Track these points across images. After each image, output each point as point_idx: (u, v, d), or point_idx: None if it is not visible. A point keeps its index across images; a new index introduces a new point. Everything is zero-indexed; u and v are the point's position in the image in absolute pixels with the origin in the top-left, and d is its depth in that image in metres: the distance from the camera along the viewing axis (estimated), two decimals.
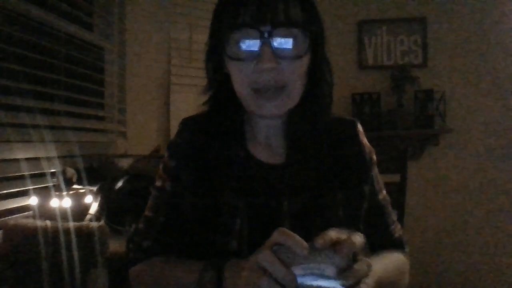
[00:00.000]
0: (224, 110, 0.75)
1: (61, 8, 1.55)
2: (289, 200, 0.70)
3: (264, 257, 0.50)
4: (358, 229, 0.66)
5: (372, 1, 2.84)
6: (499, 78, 2.74)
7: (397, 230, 0.83)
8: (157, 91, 2.23)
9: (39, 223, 1.08)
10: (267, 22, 0.63)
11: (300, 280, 0.48)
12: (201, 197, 0.72)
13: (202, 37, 2.29)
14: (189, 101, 2.25)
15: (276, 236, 0.52)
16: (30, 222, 1.10)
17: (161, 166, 0.79)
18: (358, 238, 0.52)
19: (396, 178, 1.44)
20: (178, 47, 2.28)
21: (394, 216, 0.84)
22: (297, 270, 0.48)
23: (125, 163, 1.62)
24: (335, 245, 0.50)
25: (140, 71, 2.08)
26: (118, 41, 1.97)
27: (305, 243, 0.50)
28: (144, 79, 2.12)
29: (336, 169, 0.74)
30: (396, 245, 0.81)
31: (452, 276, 2.74)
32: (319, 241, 0.50)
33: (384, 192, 0.82)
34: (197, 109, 0.81)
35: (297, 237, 0.50)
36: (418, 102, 2.69)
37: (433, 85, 2.72)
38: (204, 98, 0.78)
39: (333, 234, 0.51)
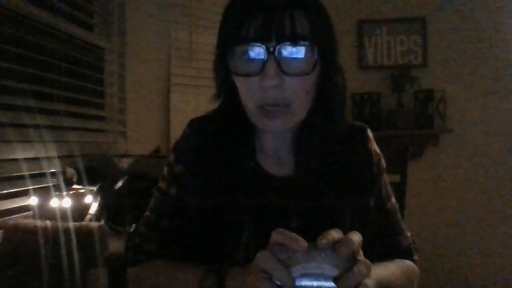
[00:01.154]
0: (233, 119, 0.73)
1: (61, 8, 1.55)
2: (297, 214, 0.69)
3: (262, 257, 0.49)
4: (365, 239, 0.65)
5: (372, 1, 2.84)
6: (499, 78, 2.74)
7: (406, 239, 0.81)
8: (157, 91, 2.23)
9: (39, 223, 1.08)
10: (272, 37, 0.60)
11: (299, 280, 0.47)
12: (208, 206, 0.70)
13: (202, 37, 2.29)
14: (189, 101, 2.25)
15: (275, 236, 0.51)
16: (30, 222, 1.10)
17: (166, 168, 0.77)
18: (357, 237, 0.51)
19: (396, 178, 1.44)
20: (178, 47, 2.28)
21: (403, 224, 0.82)
22: (297, 270, 0.47)
23: (125, 163, 1.62)
24: (334, 244, 0.50)
25: (140, 71, 2.08)
26: (118, 41, 1.97)
27: (304, 242, 0.49)
28: (144, 79, 2.12)
29: (345, 181, 0.72)
30: (404, 254, 0.79)
31: (452, 276, 2.74)
32: (322, 241, 0.49)
33: (393, 199, 0.80)
34: (197, 109, 0.80)
35: (296, 236, 0.49)
36: (418, 102, 2.69)
37: (433, 85, 2.72)
38: (211, 101, 0.75)
39: (334, 234, 0.50)
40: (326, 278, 0.47)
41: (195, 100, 2.24)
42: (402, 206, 1.43)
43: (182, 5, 2.28)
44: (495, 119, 2.74)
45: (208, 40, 2.22)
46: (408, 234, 0.82)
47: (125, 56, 1.98)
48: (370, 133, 0.79)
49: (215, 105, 0.76)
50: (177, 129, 0.71)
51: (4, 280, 1.03)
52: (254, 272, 0.51)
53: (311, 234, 0.66)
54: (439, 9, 2.79)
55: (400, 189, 1.45)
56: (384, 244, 0.78)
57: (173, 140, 0.80)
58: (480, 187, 2.75)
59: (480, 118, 2.76)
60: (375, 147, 0.78)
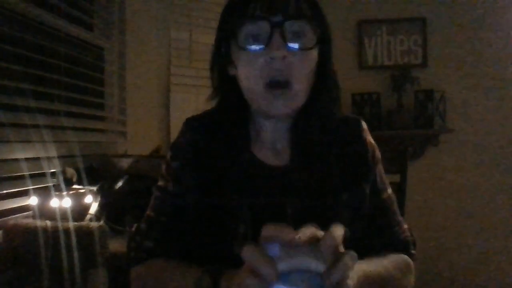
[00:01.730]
0: (229, 112, 0.75)
1: (61, 8, 1.54)
2: (293, 203, 0.69)
3: (248, 251, 0.48)
4: (361, 230, 0.65)
5: (372, 1, 2.84)
6: (499, 78, 2.74)
7: (402, 231, 0.80)
8: (157, 91, 2.23)
9: (39, 223, 1.08)
10: (278, 13, 0.65)
11: (285, 275, 0.46)
12: (204, 199, 0.71)
13: (202, 37, 2.29)
14: (189, 101, 2.25)
15: (264, 232, 0.50)
16: (30, 222, 1.10)
17: (163, 166, 0.78)
18: (339, 230, 0.50)
19: (396, 178, 1.44)
20: (178, 47, 2.28)
21: (399, 216, 0.81)
22: (283, 266, 0.47)
23: (125, 163, 1.62)
24: (319, 239, 0.49)
25: (140, 71, 2.08)
26: (118, 41, 1.97)
27: (291, 234, 0.48)
28: (144, 79, 2.12)
29: (341, 170, 0.73)
30: (400, 246, 0.79)
31: (452, 276, 2.75)
32: (300, 237, 0.49)
33: (389, 191, 0.81)
34: (197, 109, 0.81)
35: (283, 229, 0.49)
36: (418, 102, 2.69)
37: (433, 85, 2.72)
38: (208, 99, 0.78)
39: (313, 229, 0.50)
40: (313, 273, 0.47)
41: (195, 100, 2.25)
42: (402, 206, 1.43)
43: (182, 5, 2.29)
44: (495, 119, 2.74)
45: (208, 40, 2.21)
46: (405, 226, 0.82)
47: (125, 56, 1.98)
48: (364, 124, 0.80)
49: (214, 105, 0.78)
50: (177, 129, 0.73)
51: (4, 280, 1.03)
52: (245, 270, 0.50)
53: (308, 223, 0.66)
54: (439, 9, 2.79)
55: (400, 189, 1.44)
56: (379, 234, 0.77)
57: (173, 140, 0.81)
58: (480, 187, 2.75)
59: (480, 118, 2.76)
60: (370, 138, 0.80)
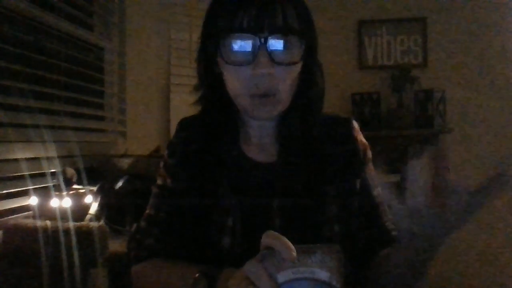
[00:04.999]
0: (217, 110, 0.77)
1: (61, 8, 1.54)
2: (279, 197, 0.71)
3: (251, 269, 0.48)
4: (350, 225, 0.66)
5: (372, 1, 2.84)
6: (499, 78, 2.74)
7: (394, 227, 0.79)
8: (157, 91, 2.23)
9: (39, 223, 1.08)
10: (264, 28, 0.64)
11: (288, 286, 0.46)
12: (197, 195, 0.73)
13: None
14: (189, 101, 2.24)
15: (265, 239, 0.50)
16: (30, 222, 1.10)
17: (161, 165, 0.80)
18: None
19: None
20: (178, 47, 2.28)
21: (389, 214, 0.81)
22: (286, 275, 0.46)
23: (125, 163, 1.62)
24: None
25: (140, 71, 2.08)
26: (118, 41, 1.97)
27: (293, 249, 0.47)
28: (144, 79, 2.12)
29: (329, 166, 0.74)
30: (391, 241, 0.77)
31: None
32: (291, 255, 0.47)
33: (379, 189, 0.80)
34: (197, 109, 0.83)
35: (284, 240, 0.48)
36: (418, 102, 2.69)
37: (433, 85, 2.72)
38: (193, 90, 0.82)
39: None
40: (317, 282, 0.46)
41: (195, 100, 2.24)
42: None
43: (182, 5, 2.29)
44: (495, 119, 2.74)
45: None
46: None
47: (125, 56, 1.98)
48: (356, 124, 0.81)
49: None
50: None
51: (4, 280, 1.03)
52: (242, 279, 0.50)
53: (294, 217, 0.66)
54: (439, 9, 2.79)
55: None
56: (370, 229, 0.76)
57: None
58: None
59: (480, 118, 2.75)
60: (361, 137, 0.80)
